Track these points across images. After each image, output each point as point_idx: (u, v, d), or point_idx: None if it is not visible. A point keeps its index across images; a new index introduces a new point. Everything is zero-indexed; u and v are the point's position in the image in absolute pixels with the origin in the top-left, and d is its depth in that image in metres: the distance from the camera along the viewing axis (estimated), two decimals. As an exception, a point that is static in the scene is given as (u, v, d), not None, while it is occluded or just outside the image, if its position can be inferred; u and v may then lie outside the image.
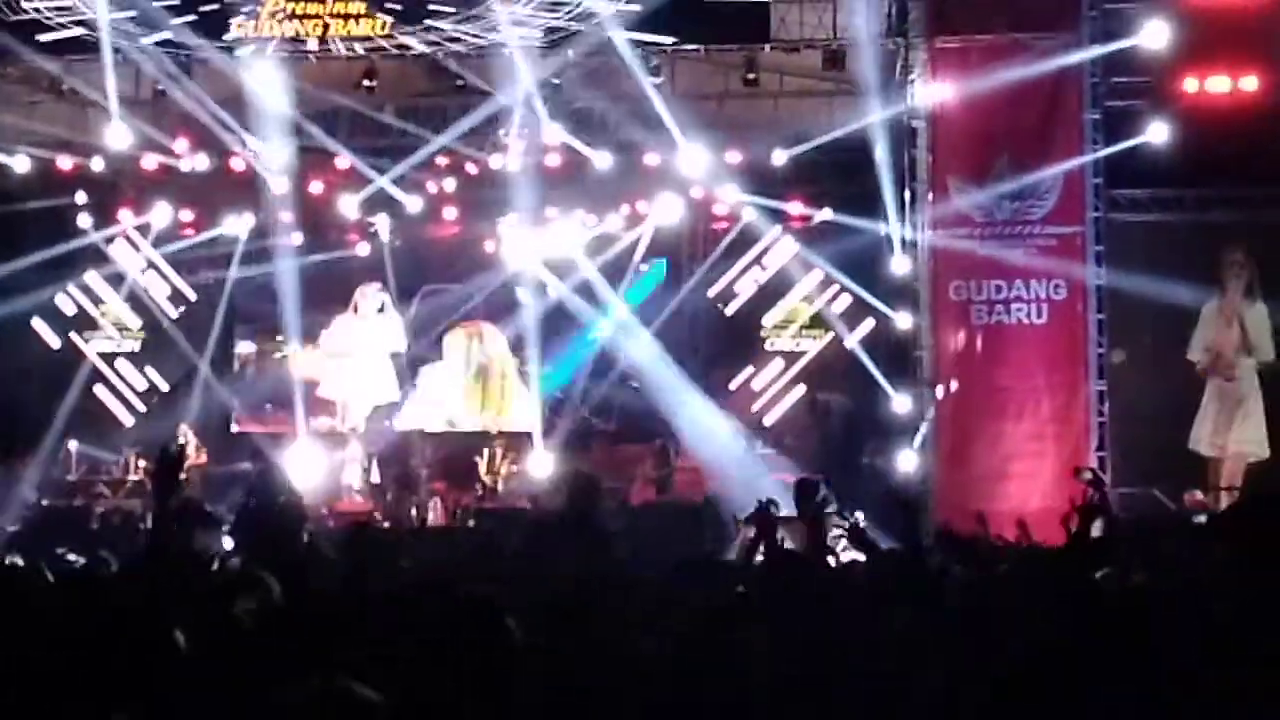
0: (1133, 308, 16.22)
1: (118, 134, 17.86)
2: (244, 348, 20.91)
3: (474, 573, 8.49)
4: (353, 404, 20.09)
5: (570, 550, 9.33)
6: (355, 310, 20.32)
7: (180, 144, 18.73)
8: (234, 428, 20.51)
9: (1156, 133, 16.08)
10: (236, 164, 18.97)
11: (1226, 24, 15.91)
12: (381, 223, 20.09)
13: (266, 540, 8.85)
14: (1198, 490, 16.33)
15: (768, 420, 19.51)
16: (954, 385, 16.24)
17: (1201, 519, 14.78)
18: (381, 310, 20.29)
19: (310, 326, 20.14)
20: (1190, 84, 16.13)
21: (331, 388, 20.18)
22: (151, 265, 20.43)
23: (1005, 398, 16.03)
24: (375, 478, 18.97)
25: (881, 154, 17.12)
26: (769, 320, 19.73)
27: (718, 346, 20.10)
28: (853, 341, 18.70)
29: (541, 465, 18.56)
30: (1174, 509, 16.12)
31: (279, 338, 20.54)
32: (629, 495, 18.07)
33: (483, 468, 19.10)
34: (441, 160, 19.12)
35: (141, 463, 19.18)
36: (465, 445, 19.54)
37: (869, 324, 18.61)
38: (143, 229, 20.24)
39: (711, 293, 19.92)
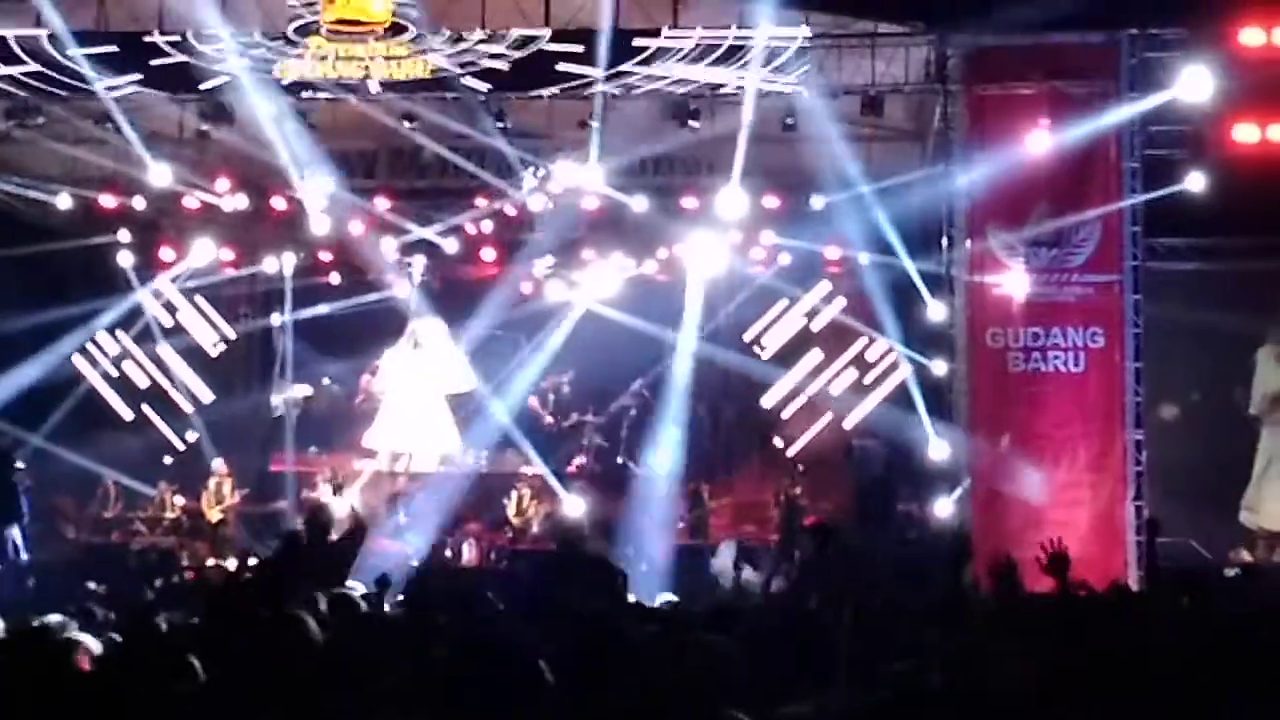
0: (1171, 356, 16.16)
1: (159, 173, 18.02)
2: (284, 389, 20.88)
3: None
4: (413, 447, 19.90)
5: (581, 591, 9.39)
6: (415, 344, 20.14)
7: (221, 183, 18.87)
8: (272, 467, 20.57)
9: (1195, 181, 16.04)
10: (277, 203, 19.10)
11: (1266, 73, 15.87)
12: (417, 264, 20.15)
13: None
14: (1243, 549, 16.32)
15: (803, 465, 19.50)
16: (1006, 439, 16.14)
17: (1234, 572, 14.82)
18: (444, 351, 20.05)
19: (352, 369, 20.20)
20: (1231, 133, 16.09)
21: (388, 433, 19.92)
22: (192, 304, 20.54)
23: (1042, 446, 15.94)
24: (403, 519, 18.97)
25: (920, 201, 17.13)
26: (806, 363, 19.74)
27: (752, 390, 20.12)
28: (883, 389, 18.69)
29: (575, 508, 18.55)
30: (1211, 560, 16.03)
31: (325, 380, 20.58)
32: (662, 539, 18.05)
33: (511, 509, 19.14)
34: (480, 202, 19.23)
35: (178, 499, 19.30)
36: (497, 486, 19.58)
37: (905, 370, 18.57)
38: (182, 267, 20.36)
39: (747, 336, 19.93)
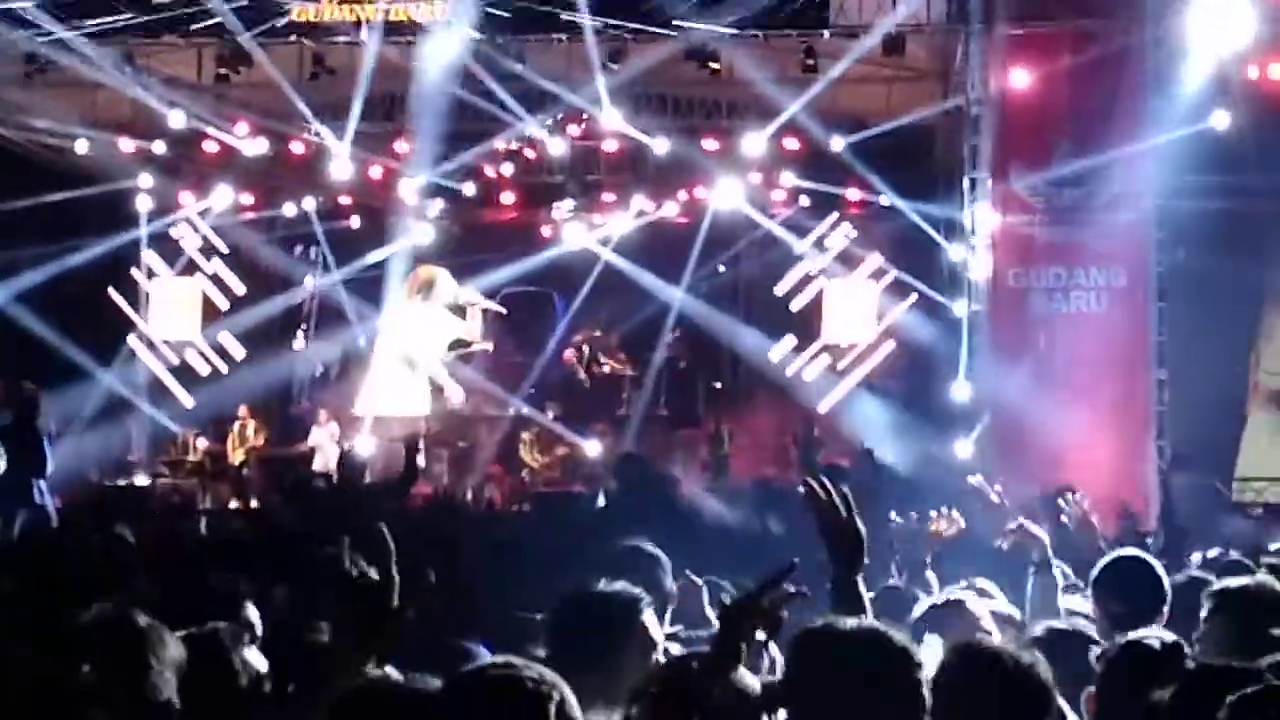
0: (1194, 295, 16.07)
1: (177, 116, 18.00)
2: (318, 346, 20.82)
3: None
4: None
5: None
6: (425, 295, 19.99)
7: (241, 128, 18.82)
8: (294, 410, 20.60)
9: (1220, 119, 15.90)
10: (296, 148, 19.07)
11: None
12: (435, 207, 20.08)
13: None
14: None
15: (822, 408, 19.44)
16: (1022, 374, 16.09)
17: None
18: (458, 306, 19.89)
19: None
20: (1254, 70, 15.96)
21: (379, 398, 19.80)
22: (212, 248, 20.48)
23: (1064, 386, 15.91)
24: (424, 460, 18.93)
25: (941, 140, 17.05)
26: (827, 308, 19.67)
27: (774, 331, 20.08)
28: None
29: (593, 448, 18.63)
30: (1231, 498, 16.02)
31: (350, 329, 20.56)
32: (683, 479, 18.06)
33: (524, 452, 19.16)
34: (499, 145, 19.16)
35: (200, 442, 19.36)
36: (515, 428, 19.59)
37: (926, 311, 18.51)
38: (203, 212, 20.28)
39: (767, 277, 19.88)
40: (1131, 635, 4.61)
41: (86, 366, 19.00)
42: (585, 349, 20.35)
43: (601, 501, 12.51)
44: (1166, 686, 4.04)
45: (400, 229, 20.34)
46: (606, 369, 20.32)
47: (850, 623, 3.73)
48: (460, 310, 19.32)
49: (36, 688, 3.34)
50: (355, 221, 20.83)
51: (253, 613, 4.98)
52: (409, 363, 18.89)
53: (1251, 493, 16.19)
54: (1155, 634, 4.60)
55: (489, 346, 20.02)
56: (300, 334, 20.62)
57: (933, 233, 17.54)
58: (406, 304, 19.39)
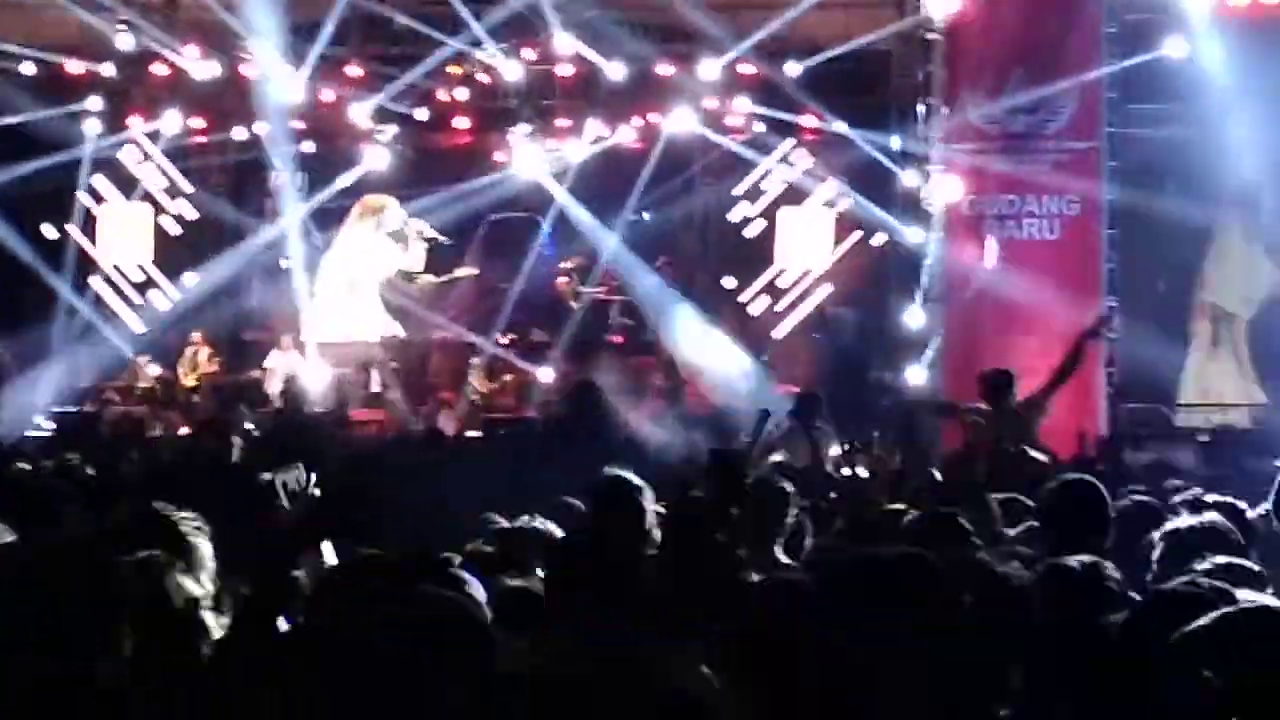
0: (1145, 224, 16.12)
1: (125, 38, 17.77)
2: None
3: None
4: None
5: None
6: (373, 223, 19.87)
7: (191, 50, 18.60)
8: (248, 335, 20.48)
9: (1174, 46, 15.90)
10: (248, 71, 18.87)
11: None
12: (388, 132, 19.91)
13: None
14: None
15: (776, 334, 19.52)
16: (970, 295, 16.17)
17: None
18: (402, 235, 19.78)
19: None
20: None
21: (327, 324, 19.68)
22: (162, 173, 20.30)
23: (1015, 312, 15.94)
24: (377, 387, 18.95)
25: (897, 67, 17.02)
26: (781, 233, 19.68)
27: (728, 259, 20.08)
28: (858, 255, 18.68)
29: (546, 375, 18.63)
30: (1179, 425, 16.15)
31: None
32: (637, 407, 18.07)
33: (474, 377, 19.12)
34: (453, 70, 19.02)
35: (152, 369, 19.27)
36: (464, 354, 19.54)
37: (880, 239, 18.57)
38: (153, 135, 20.06)
39: (721, 205, 19.85)
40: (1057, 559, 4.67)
41: (37, 295, 18.90)
42: (575, 275, 20.21)
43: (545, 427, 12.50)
44: (1096, 608, 4.09)
45: (354, 154, 20.22)
46: (601, 295, 20.20)
47: None
48: (403, 239, 19.31)
49: None
50: (308, 146, 20.65)
51: (203, 546, 4.96)
52: (354, 288, 18.89)
53: (1200, 419, 16.33)
54: (1077, 557, 4.62)
55: (475, 271, 20.00)
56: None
57: (887, 161, 17.55)
58: (354, 230, 19.36)
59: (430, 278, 20.02)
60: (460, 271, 19.92)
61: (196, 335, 19.38)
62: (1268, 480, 6.94)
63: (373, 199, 19.64)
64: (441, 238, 19.78)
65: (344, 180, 19.93)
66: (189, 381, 19.08)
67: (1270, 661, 3.19)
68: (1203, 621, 3.50)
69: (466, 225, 20.10)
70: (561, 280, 20.13)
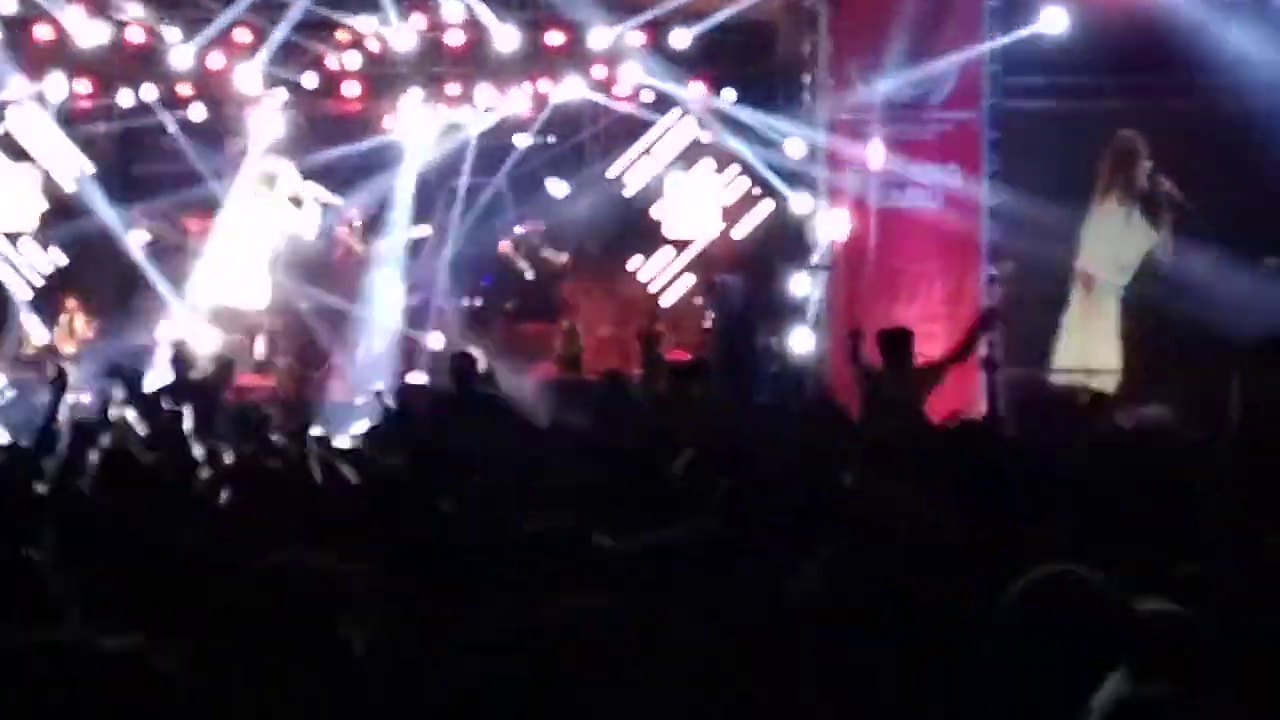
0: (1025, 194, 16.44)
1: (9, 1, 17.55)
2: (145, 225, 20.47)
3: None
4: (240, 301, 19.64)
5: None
6: (268, 187, 19.80)
7: (75, 12, 18.37)
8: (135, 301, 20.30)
9: (1053, 20, 16.22)
10: (134, 35, 18.69)
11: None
12: (278, 97, 19.80)
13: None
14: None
15: (665, 302, 19.71)
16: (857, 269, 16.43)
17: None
18: (297, 198, 19.72)
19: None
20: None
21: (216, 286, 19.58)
22: (47, 138, 20.05)
23: (897, 280, 16.27)
24: (262, 352, 18.92)
25: (784, 37, 17.20)
26: (667, 203, 19.85)
27: (617, 229, 20.21)
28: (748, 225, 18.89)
29: (437, 341, 18.70)
30: (1061, 391, 16.51)
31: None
32: (531, 374, 18.19)
33: (359, 348, 19.15)
34: (343, 36, 18.95)
35: (38, 335, 19.10)
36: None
37: (768, 206, 18.79)
38: (38, 99, 19.80)
39: (611, 175, 19.97)
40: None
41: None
42: (521, 244, 20.18)
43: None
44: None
45: (243, 120, 20.11)
46: (550, 260, 20.21)
47: None
48: (297, 202, 19.28)
49: None
50: (196, 112, 20.48)
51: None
52: (246, 253, 18.87)
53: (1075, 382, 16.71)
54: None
55: (428, 230, 19.91)
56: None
57: (769, 134, 17.75)
58: (247, 194, 19.30)
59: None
60: (416, 231, 19.93)
61: (71, 300, 19.24)
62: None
63: (268, 163, 19.58)
64: (336, 200, 19.77)
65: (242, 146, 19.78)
66: (67, 348, 18.88)
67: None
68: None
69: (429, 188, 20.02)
70: (505, 245, 20.15)
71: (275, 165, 19.85)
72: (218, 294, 19.29)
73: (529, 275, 19.94)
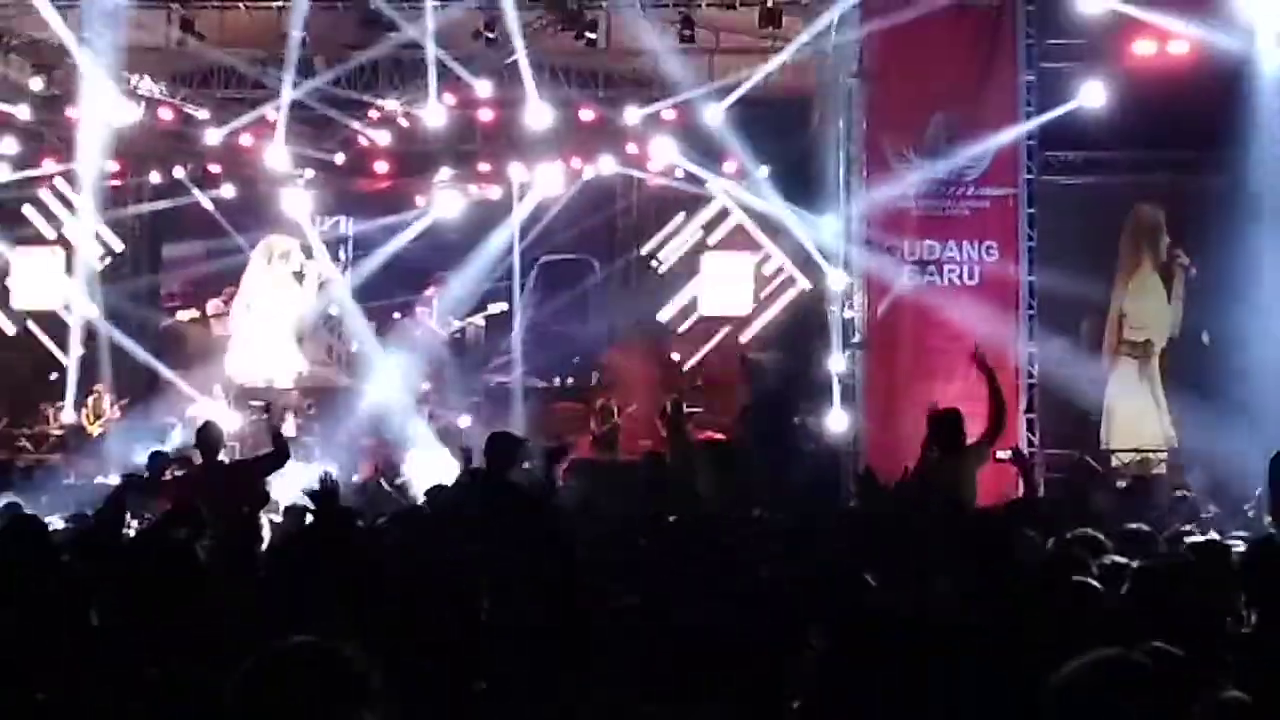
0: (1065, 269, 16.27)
1: (38, 82, 17.56)
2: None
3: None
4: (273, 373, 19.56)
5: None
6: (269, 262, 19.84)
7: (106, 91, 18.31)
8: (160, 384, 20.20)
9: (1091, 95, 16.03)
10: (164, 114, 18.68)
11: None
12: (307, 176, 19.77)
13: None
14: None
15: (700, 380, 19.51)
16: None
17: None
18: (300, 274, 19.75)
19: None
20: (1130, 46, 16.15)
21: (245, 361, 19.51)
22: (77, 216, 20.04)
23: (935, 359, 15.93)
24: (293, 431, 18.76)
25: (819, 113, 17.04)
26: (705, 280, 19.71)
27: (649, 305, 20.05)
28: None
29: (464, 421, 18.52)
30: (1101, 471, 16.21)
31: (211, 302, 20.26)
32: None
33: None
34: (373, 114, 18.90)
35: (64, 416, 18.99)
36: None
37: (802, 284, 18.59)
38: (68, 177, 19.80)
39: (645, 249, 19.83)
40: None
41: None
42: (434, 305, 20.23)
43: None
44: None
45: (273, 198, 20.07)
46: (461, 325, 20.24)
47: None
48: (300, 278, 19.30)
49: None
50: (228, 190, 20.43)
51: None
52: (268, 329, 18.86)
53: (1118, 463, 16.46)
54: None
55: (504, 307, 19.84)
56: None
57: (803, 212, 17.58)
58: (262, 271, 19.30)
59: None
60: (492, 308, 19.90)
61: (99, 385, 19.15)
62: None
63: (278, 240, 19.59)
64: (337, 275, 19.81)
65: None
66: (93, 429, 18.76)
67: None
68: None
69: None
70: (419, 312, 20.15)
71: (286, 244, 19.81)
72: (245, 372, 19.20)
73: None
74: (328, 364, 19.96)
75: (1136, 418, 16.94)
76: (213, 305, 20.14)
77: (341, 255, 20.25)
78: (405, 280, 20.49)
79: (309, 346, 19.76)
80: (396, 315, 20.44)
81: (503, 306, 20.08)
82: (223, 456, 11.78)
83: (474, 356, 20.10)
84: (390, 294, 20.60)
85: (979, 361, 12.67)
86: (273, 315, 19.39)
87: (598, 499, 12.80)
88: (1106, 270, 16.63)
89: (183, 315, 20.20)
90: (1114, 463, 16.80)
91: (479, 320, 20.17)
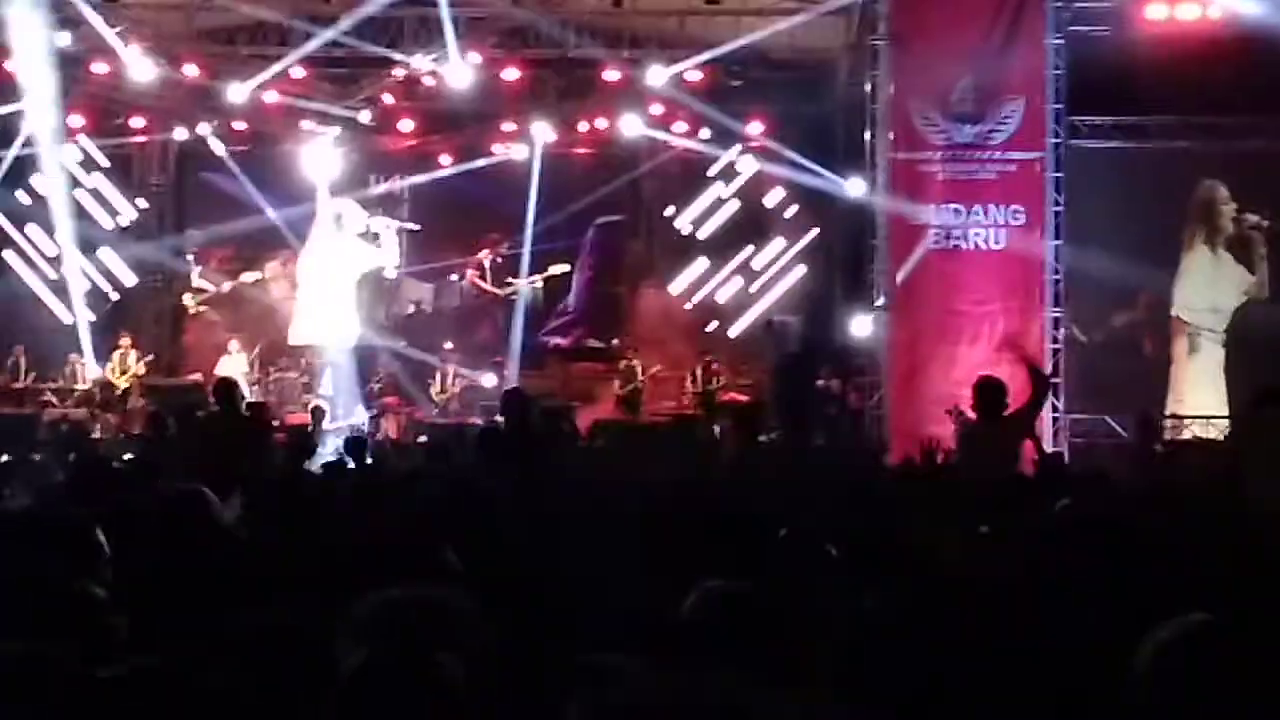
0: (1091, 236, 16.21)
1: (62, 36, 17.55)
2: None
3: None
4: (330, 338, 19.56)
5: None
6: (338, 227, 19.70)
7: (132, 50, 18.34)
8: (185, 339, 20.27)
9: (1120, 59, 15.97)
10: (189, 70, 18.68)
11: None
12: (333, 134, 19.75)
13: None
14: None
15: (723, 338, 19.54)
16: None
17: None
18: (369, 233, 19.68)
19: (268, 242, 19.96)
20: (1155, 10, 16.07)
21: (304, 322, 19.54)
22: (101, 170, 20.06)
23: (960, 322, 15.93)
24: (328, 390, 18.84)
25: (845, 76, 16.98)
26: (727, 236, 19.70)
27: (674, 262, 20.05)
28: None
29: (490, 381, 18.57)
30: (1126, 436, 16.20)
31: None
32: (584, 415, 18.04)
33: (435, 387, 19.11)
34: (398, 72, 18.86)
35: (91, 370, 19.06)
36: (421, 362, 19.48)
37: (827, 246, 18.58)
38: (92, 132, 19.81)
39: (668, 211, 19.81)
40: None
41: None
42: (486, 264, 20.21)
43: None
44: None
45: (296, 156, 20.05)
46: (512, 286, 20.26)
47: None
48: (373, 237, 19.22)
49: None
50: (251, 149, 20.45)
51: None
52: (324, 293, 18.88)
53: (1188, 431, 16.53)
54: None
55: (566, 268, 20.13)
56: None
57: (827, 173, 17.55)
58: (319, 236, 19.28)
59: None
60: (554, 269, 19.93)
61: (126, 338, 19.18)
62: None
63: (345, 203, 19.57)
64: (412, 226, 19.72)
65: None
66: (120, 384, 18.81)
67: None
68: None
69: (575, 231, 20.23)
70: (471, 275, 20.13)
71: (339, 205, 19.73)
72: (305, 334, 19.26)
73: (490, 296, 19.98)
74: (384, 326, 20.01)
75: (1189, 395, 17.01)
76: (270, 269, 20.17)
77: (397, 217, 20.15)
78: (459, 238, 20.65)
79: (370, 308, 19.77)
80: (453, 278, 20.52)
81: (564, 268, 20.14)
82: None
83: (532, 317, 20.17)
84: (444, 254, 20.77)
85: (1010, 348, 12.72)
86: (334, 278, 19.36)
87: (618, 459, 12.86)
88: (1139, 236, 16.57)
89: (247, 277, 20.19)
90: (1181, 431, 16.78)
91: (537, 281, 20.19)
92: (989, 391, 11.45)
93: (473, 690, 3.26)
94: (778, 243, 19.77)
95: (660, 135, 19.19)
